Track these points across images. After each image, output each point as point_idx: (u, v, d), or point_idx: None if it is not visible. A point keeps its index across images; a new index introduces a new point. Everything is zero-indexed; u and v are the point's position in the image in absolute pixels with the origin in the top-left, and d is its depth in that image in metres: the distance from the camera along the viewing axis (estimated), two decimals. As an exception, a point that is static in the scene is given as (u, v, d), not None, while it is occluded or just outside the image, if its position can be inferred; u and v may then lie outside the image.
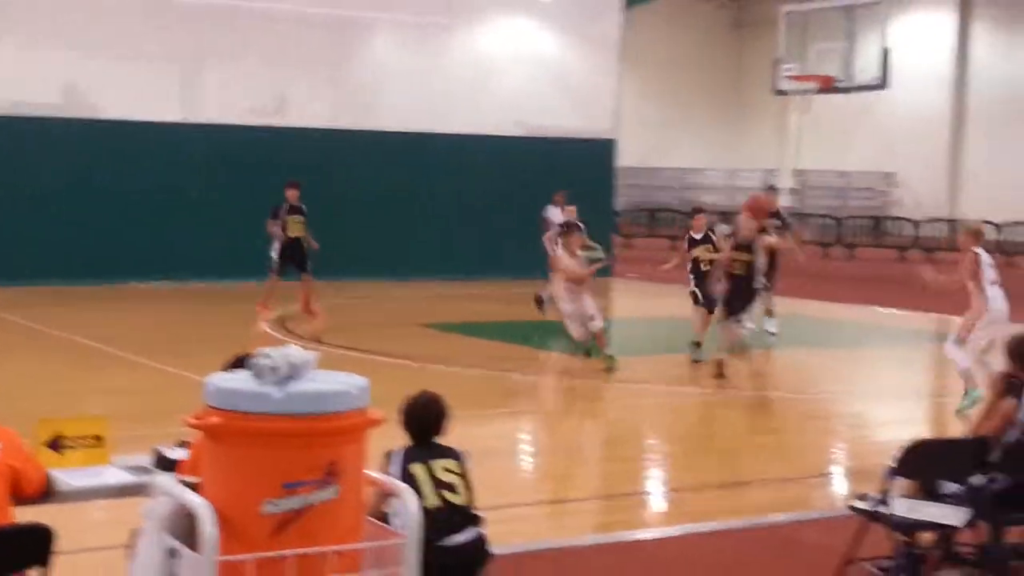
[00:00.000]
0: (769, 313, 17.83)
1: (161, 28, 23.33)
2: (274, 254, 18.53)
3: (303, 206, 18.68)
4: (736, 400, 13.57)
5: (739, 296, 14.57)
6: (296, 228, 18.50)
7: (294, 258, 18.44)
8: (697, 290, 15.94)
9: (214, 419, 4.09)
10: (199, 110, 23.98)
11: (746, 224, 14.83)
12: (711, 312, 15.56)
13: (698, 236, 16.33)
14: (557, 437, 11.84)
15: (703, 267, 15.90)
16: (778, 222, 17.70)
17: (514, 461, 10.70)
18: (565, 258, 15.17)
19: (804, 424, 12.67)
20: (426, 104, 25.20)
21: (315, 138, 24.10)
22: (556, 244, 16.83)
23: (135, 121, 22.77)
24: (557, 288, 15.67)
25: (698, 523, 8.47)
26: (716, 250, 15.79)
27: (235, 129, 23.63)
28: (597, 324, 14.96)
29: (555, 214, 19.92)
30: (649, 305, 22.50)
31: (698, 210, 17.22)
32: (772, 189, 21.66)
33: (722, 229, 16.69)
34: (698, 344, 15.57)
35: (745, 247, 14.61)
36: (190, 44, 23.85)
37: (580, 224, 17.09)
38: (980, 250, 12.46)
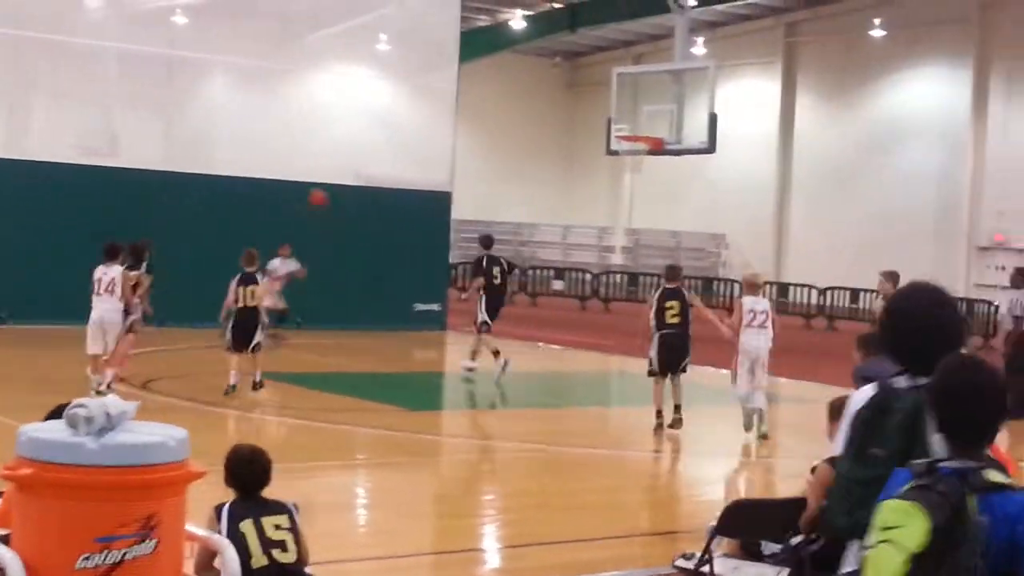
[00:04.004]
0: None
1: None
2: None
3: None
4: (566, 457, 13.62)
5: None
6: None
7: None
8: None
9: (25, 470, 3.93)
10: (22, 146, 23.29)
11: None
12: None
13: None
14: (390, 491, 11.69)
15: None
16: None
17: (347, 516, 10.53)
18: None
19: (635, 482, 12.79)
20: (260, 149, 24.93)
21: (145, 180, 23.60)
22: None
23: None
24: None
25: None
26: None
27: (60, 167, 23.00)
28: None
29: (276, 265, 21.94)
30: (486, 359, 22.45)
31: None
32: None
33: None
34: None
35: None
36: (15, 78, 23.19)
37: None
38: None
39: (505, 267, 19.79)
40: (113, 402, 4.11)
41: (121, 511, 3.88)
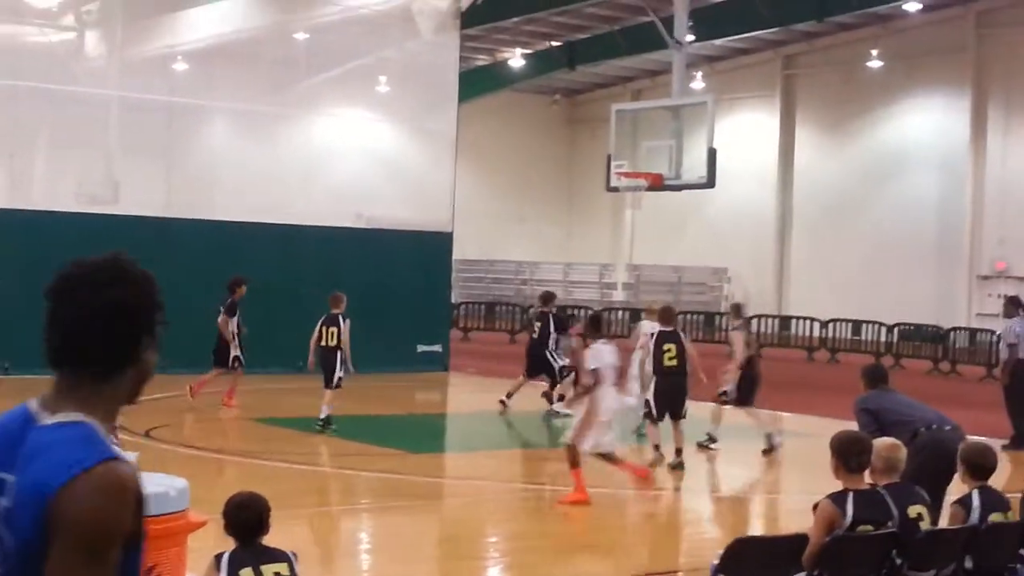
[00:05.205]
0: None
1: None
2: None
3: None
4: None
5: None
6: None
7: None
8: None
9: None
10: (23, 195, 23.38)
11: None
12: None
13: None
14: (393, 536, 11.67)
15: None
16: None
17: (349, 561, 10.51)
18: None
19: (638, 520, 12.76)
20: (261, 194, 24.98)
21: (147, 226, 23.66)
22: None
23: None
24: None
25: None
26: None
27: (62, 216, 23.07)
28: None
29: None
30: (487, 400, 22.46)
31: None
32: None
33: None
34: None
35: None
36: (15, 128, 23.31)
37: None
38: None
39: (549, 323, 20.31)
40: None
41: (120, 564, 3.88)
